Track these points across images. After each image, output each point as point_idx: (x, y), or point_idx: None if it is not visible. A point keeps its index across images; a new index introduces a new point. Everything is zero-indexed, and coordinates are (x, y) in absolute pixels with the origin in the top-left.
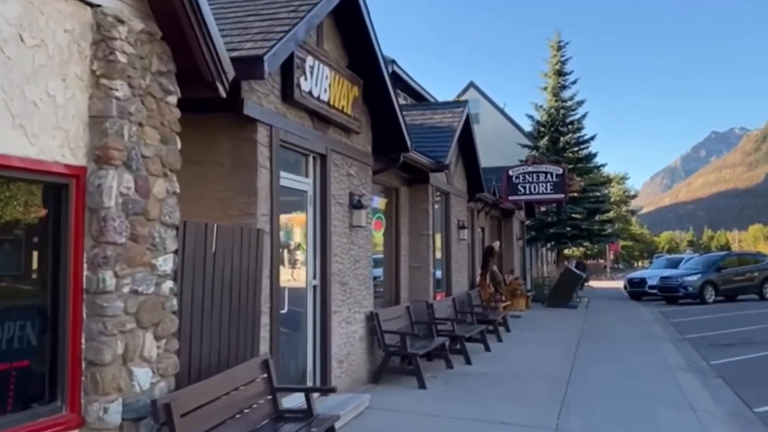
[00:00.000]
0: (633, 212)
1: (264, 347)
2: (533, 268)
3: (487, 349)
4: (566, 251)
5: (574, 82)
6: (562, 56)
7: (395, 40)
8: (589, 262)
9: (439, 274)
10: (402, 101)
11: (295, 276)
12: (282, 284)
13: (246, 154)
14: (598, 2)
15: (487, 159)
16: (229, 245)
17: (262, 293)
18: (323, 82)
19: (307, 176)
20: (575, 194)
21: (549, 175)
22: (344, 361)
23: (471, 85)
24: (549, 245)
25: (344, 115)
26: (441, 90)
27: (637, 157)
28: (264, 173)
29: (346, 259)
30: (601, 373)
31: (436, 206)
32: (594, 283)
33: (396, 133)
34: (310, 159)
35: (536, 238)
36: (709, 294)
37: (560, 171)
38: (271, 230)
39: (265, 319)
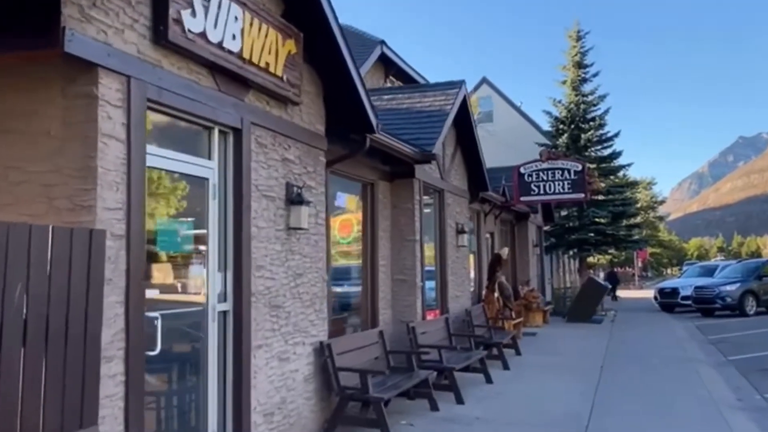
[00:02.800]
0: (661, 218)
1: (112, 412)
2: (554, 278)
3: (489, 380)
4: (590, 259)
5: (595, 75)
6: (582, 47)
7: (404, 37)
8: (615, 270)
9: (432, 287)
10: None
11: (186, 298)
12: (155, 312)
13: (82, 117)
14: (616, 7)
15: (501, 159)
16: (22, 256)
17: (109, 328)
18: (230, 25)
19: (209, 158)
20: (599, 195)
21: (566, 172)
22: (276, 412)
23: (484, 80)
24: (571, 252)
25: (272, 77)
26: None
27: (665, 163)
28: (114, 147)
29: (280, 272)
30: (629, 414)
31: (428, 209)
32: (621, 293)
33: (356, 108)
34: (215, 134)
35: (556, 244)
36: (750, 305)
37: (579, 167)
38: (129, 232)
39: (114, 368)
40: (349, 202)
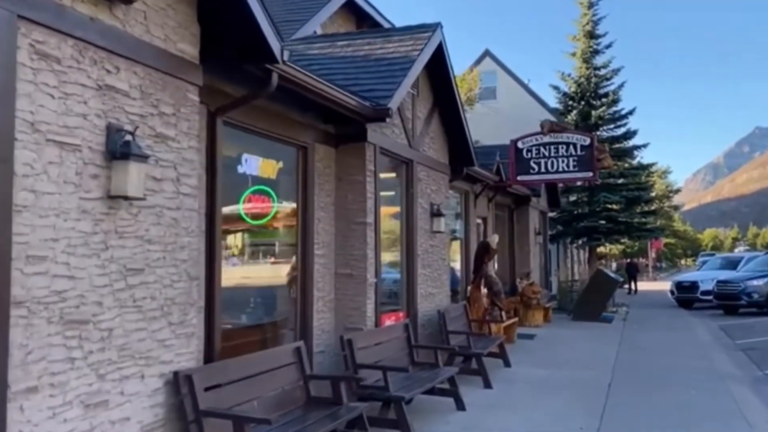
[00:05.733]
0: (676, 208)
1: None
2: (560, 269)
3: (460, 406)
4: (600, 249)
5: (608, 46)
6: (594, 15)
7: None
8: (627, 261)
9: (395, 282)
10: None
11: None
12: None
13: None
14: None
15: (505, 138)
16: None
17: None
18: None
19: None
20: (611, 178)
21: (572, 147)
22: None
23: (487, 53)
24: (579, 242)
25: None
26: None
27: (679, 153)
28: None
29: (90, 267)
30: None
31: (392, 192)
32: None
33: (246, 24)
34: None
35: (563, 233)
36: None
37: (587, 141)
38: None
39: None
40: (265, 168)
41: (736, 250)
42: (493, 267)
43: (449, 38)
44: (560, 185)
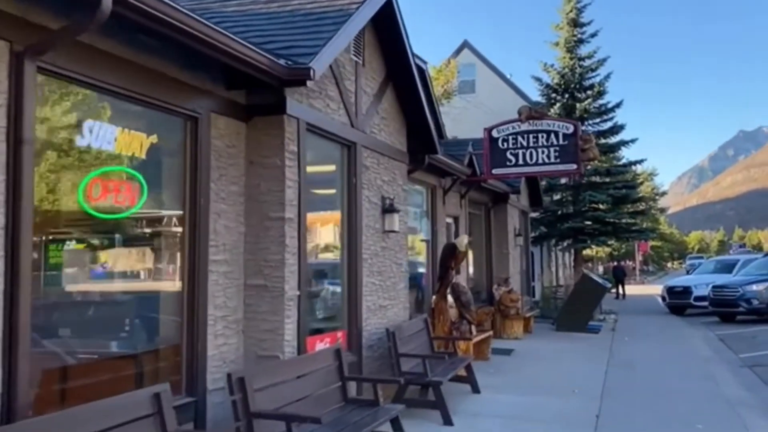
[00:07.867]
0: (662, 210)
1: None
2: (544, 274)
3: None
4: (587, 251)
5: (594, 35)
6: (579, 2)
7: None
8: (614, 264)
9: (333, 294)
10: None
11: None
12: None
13: None
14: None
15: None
16: None
17: None
18: None
19: None
20: (597, 176)
21: (553, 136)
22: None
23: (465, 44)
24: (564, 244)
25: None
26: (427, 50)
27: (664, 157)
28: None
29: None
30: None
31: (330, 190)
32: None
33: None
34: None
35: (547, 234)
36: None
37: (570, 129)
38: None
39: None
40: (126, 143)
41: (731, 252)
42: (466, 273)
43: (424, 28)
44: (542, 181)
